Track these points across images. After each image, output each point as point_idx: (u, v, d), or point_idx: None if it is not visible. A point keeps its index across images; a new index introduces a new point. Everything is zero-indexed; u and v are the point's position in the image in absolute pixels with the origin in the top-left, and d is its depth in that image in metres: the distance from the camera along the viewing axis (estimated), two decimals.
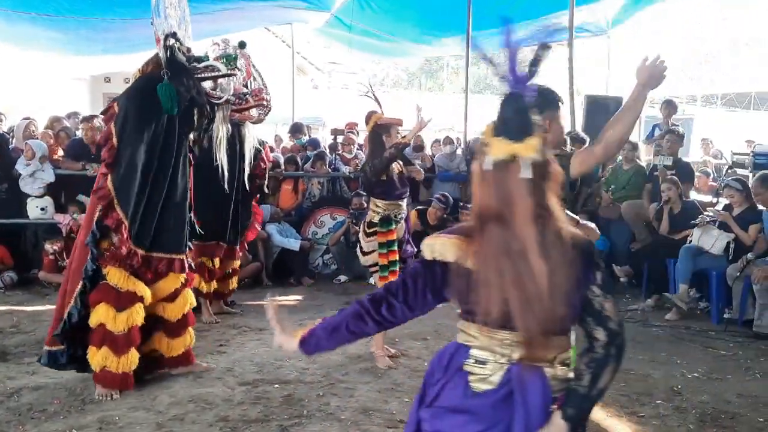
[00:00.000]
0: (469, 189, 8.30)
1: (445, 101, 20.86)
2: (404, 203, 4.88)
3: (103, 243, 3.98)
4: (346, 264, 7.61)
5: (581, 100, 9.86)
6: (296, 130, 10.17)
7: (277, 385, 4.28)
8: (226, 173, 5.08)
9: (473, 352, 1.75)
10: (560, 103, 2.99)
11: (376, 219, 4.73)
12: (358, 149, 9.00)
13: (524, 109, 1.67)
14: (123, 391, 4.03)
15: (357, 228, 7.20)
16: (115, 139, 3.96)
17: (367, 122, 4.88)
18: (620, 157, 7.75)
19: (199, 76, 4.12)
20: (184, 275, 4.27)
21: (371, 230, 4.75)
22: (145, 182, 3.96)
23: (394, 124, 4.81)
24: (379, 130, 4.76)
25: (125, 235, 3.94)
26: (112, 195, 3.94)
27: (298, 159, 8.37)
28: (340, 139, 9.06)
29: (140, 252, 3.99)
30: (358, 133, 9.90)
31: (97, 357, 3.96)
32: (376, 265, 4.75)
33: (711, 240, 6.16)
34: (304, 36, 13.70)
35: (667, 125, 8.13)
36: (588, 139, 8.49)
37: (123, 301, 3.96)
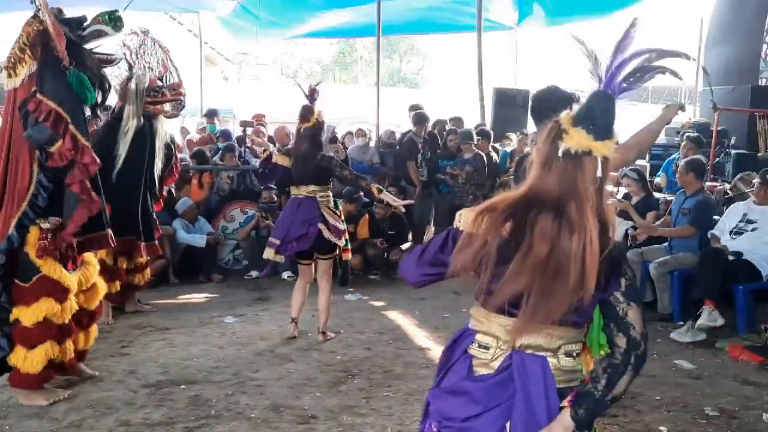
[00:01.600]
0: (385, 182, 8.26)
1: (358, 94, 20.83)
2: None
3: (30, 235, 3.67)
4: (258, 259, 7.44)
5: (490, 92, 10.07)
6: (212, 114, 9.85)
7: (183, 386, 4.13)
8: (121, 164, 4.96)
9: (478, 336, 1.81)
10: (571, 102, 3.11)
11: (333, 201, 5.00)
12: (268, 141, 8.83)
13: (612, 110, 1.68)
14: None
15: (267, 222, 7.09)
16: (84, 141, 3.69)
17: (307, 118, 4.84)
18: (527, 149, 7.93)
19: (90, 47, 3.78)
20: (97, 265, 4.15)
21: (338, 210, 5.02)
22: None
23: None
24: (320, 127, 4.88)
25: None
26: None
27: (207, 151, 8.13)
28: (249, 131, 8.86)
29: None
30: (266, 125, 9.72)
31: (38, 354, 3.70)
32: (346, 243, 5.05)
33: None
34: (213, 26, 13.36)
35: None
36: (492, 134, 8.69)
37: (62, 292, 3.76)
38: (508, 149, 8.91)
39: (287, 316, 5.24)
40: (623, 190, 7.08)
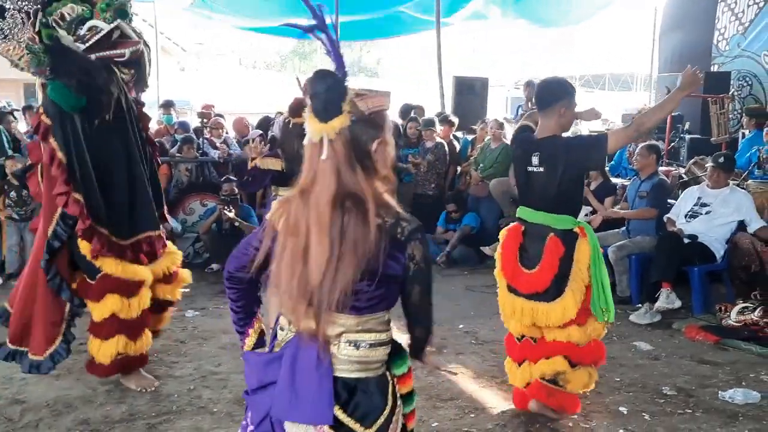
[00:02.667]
0: None
1: None
2: None
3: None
4: (219, 252, 7.35)
5: (450, 81, 10.09)
6: (168, 105, 9.62)
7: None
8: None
9: (280, 318, 1.82)
10: (573, 92, 3.50)
11: None
12: (226, 134, 8.69)
13: (334, 88, 1.65)
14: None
15: (229, 215, 7.00)
16: (60, 154, 3.60)
17: (299, 112, 4.39)
18: (488, 137, 7.99)
19: (89, 47, 3.65)
20: (179, 254, 4.22)
21: None
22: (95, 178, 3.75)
23: None
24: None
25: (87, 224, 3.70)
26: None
27: (165, 142, 7.98)
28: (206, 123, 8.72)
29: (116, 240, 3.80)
30: (224, 116, 9.58)
31: (109, 348, 3.80)
32: None
33: None
34: (169, 15, 13.11)
35: (529, 105, 8.46)
36: (456, 121, 8.73)
37: (130, 287, 3.80)
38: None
39: None
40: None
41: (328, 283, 1.62)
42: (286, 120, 4.42)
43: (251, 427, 1.81)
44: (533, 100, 3.71)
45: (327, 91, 1.64)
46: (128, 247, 3.85)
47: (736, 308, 5.13)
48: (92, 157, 3.69)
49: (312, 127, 1.66)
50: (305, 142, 1.69)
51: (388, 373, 1.80)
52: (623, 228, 6.16)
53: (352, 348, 1.71)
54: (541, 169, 3.40)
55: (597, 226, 6.00)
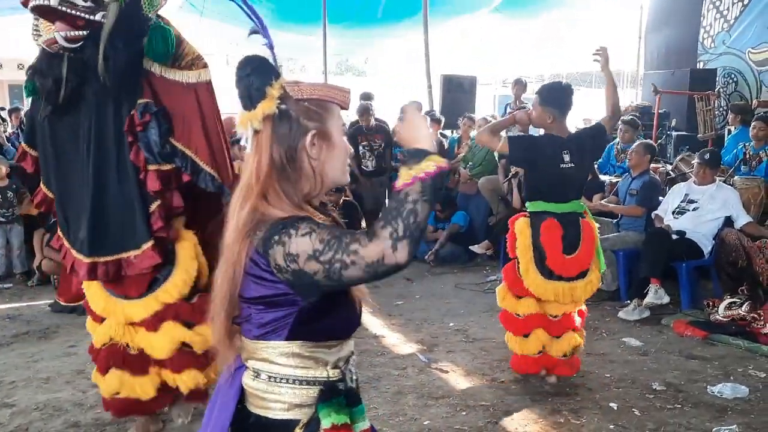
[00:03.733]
0: None
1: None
2: None
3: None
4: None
5: (438, 79, 10.11)
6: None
7: None
8: None
9: None
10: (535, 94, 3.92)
11: None
12: None
13: (258, 70, 1.44)
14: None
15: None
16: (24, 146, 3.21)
17: None
18: (473, 133, 8.00)
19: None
20: (173, 294, 3.04)
21: None
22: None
23: None
24: None
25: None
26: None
27: None
28: None
29: (75, 255, 3.02)
30: None
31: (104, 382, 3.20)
32: None
33: None
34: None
35: (517, 103, 8.48)
36: (443, 119, 8.74)
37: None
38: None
39: None
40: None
41: (218, 301, 1.45)
42: None
43: None
44: (541, 99, 3.95)
45: (250, 75, 1.43)
46: (89, 266, 2.99)
47: (724, 303, 5.16)
48: (44, 153, 3.07)
49: (240, 118, 1.45)
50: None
51: (303, 419, 1.45)
52: (614, 221, 6.20)
53: (252, 378, 1.48)
54: (572, 164, 3.80)
55: None
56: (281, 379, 1.45)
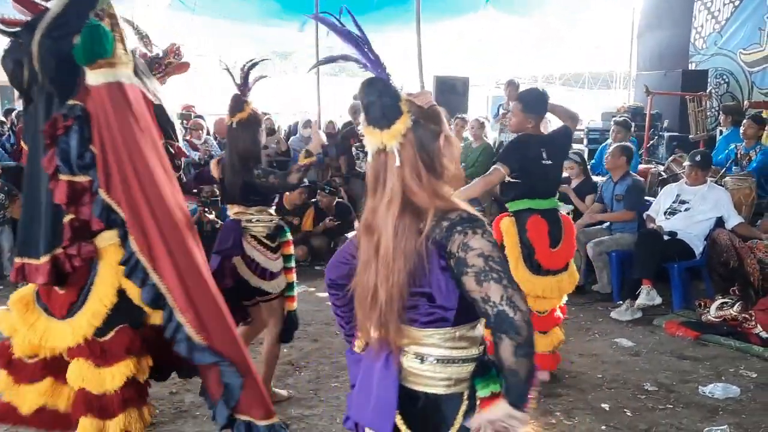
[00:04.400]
0: (327, 172, 8.24)
1: (299, 83, 20.62)
2: None
3: None
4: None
5: (431, 80, 10.10)
6: None
7: None
8: None
9: None
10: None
11: (273, 229, 3.66)
12: (207, 134, 8.65)
13: (385, 93, 1.59)
14: None
15: (209, 216, 6.94)
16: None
17: (241, 106, 3.63)
18: (470, 136, 8.02)
19: None
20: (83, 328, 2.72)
21: (276, 243, 3.65)
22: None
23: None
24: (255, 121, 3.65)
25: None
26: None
27: None
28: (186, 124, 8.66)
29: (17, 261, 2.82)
30: (203, 117, 9.53)
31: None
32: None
33: None
34: (147, 19, 12.98)
35: (510, 104, 8.47)
36: None
37: None
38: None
39: None
40: (563, 174, 7.24)
41: (385, 293, 1.59)
42: (230, 123, 3.63)
43: None
44: (523, 106, 4.09)
45: (381, 96, 1.58)
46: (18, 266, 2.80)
47: (716, 304, 5.18)
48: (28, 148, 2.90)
49: (373, 138, 1.59)
50: (370, 159, 1.63)
51: (466, 392, 1.67)
52: (606, 224, 6.21)
53: (417, 361, 1.66)
54: (550, 161, 3.97)
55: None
56: (449, 360, 1.65)
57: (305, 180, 4.33)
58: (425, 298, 1.60)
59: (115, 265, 2.72)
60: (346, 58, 1.66)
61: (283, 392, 3.92)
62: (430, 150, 1.61)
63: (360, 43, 1.62)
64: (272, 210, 3.69)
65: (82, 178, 2.66)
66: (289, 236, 3.75)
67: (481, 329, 1.70)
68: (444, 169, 1.63)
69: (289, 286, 3.72)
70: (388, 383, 1.65)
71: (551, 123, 6.41)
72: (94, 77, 2.70)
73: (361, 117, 1.63)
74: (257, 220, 3.58)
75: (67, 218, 2.66)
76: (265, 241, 3.59)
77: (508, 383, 1.56)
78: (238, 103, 3.62)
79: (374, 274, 1.61)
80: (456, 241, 1.55)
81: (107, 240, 2.74)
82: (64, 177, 2.64)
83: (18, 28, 2.69)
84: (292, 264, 3.74)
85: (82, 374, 2.72)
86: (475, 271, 1.53)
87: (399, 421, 1.66)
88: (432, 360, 1.65)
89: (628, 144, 6.54)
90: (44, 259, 2.67)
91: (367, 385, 1.71)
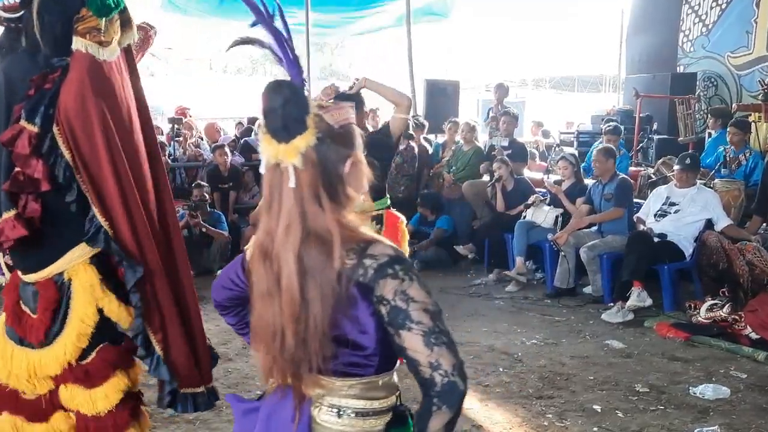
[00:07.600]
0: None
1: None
2: None
3: None
4: (190, 258, 7.25)
5: (421, 84, 10.13)
6: None
7: None
8: None
9: None
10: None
11: None
12: (199, 138, 8.64)
13: (293, 100, 1.36)
14: None
15: (197, 220, 6.92)
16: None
17: None
18: (460, 139, 8.04)
19: None
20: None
21: None
22: None
23: None
24: None
25: None
26: None
27: None
28: (178, 127, 8.65)
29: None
30: (194, 120, 9.53)
31: None
32: None
33: (542, 215, 6.58)
34: (138, 20, 12.96)
35: (499, 108, 8.51)
36: (426, 125, 8.77)
37: None
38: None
39: None
40: (554, 177, 7.27)
41: (293, 336, 1.38)
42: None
43: None
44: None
45: (285, 105, 1.35)
46: None
47: (705, 305, 5.21)
48: None
49: (268, 149, 1.37)
50: (261, 169, 1.41)
51: None
52: (595, 227, 6.23)
53: (334, 416, 1.45)
54: None
55: (564, 240, 6.08)
56: (368, 413, 1.47)
57: None
58: (347, 346, 1.41)
59: (89, 284, 2.56)
60: (262, 44, 1.43)
61: None
62: (333, 175, 1.39)
63: (282, 38, 1.42)
64: None
65: (34, 128, 2.39)
66: None
67: (395, 374, 1.52)
68: (348, 199, 1.41)
69: None
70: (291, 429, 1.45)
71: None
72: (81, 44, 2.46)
73: (260, 121, 1.42)
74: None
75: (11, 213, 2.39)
76: None
77: None
78: None
79: (279, 311, 1.39)
80: (389, 287, 1.36)
81: (77, 258, 2.54)
82: (26, 125, 2.37)
83: (20, 13, 2.51)
84: None
85: (73, 398, 2.59)
86: (423, 330, 1.35)
87: None
88: (350, 413, 1.45)
89: (608, 146, 6.60)
90: (13, 212, 2.41)
91: None
